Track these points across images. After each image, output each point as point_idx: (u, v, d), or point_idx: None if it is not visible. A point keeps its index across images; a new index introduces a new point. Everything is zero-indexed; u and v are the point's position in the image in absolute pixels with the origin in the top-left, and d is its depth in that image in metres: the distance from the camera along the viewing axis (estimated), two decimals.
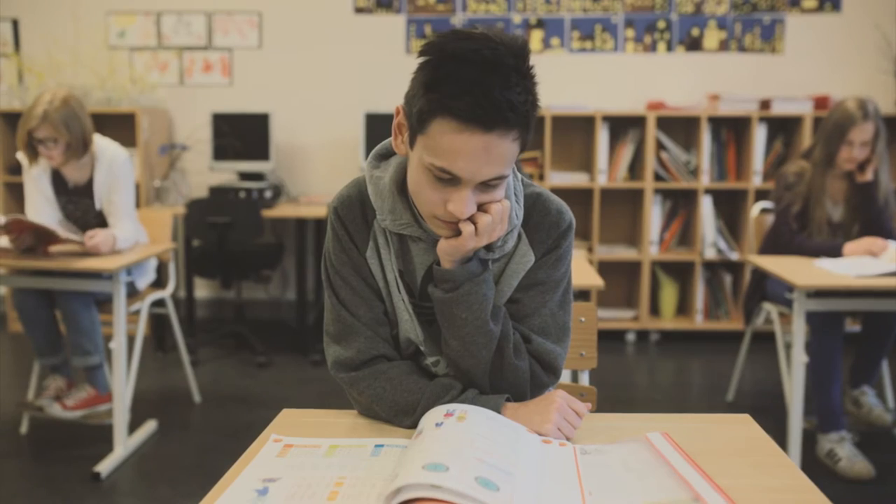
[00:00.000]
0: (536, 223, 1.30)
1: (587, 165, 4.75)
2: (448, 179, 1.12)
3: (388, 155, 1.32)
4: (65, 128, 2.89)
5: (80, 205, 3.11)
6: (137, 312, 3.25)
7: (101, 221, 3.13)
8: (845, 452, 2.82)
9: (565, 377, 2.63)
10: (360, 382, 1.29)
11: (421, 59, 1.12)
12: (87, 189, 3.09)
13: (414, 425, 1.19)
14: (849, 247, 2.99)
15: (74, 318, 3.01)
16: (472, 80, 1.06)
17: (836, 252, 3.01)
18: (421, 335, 1.32)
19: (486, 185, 1.14)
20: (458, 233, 1.18)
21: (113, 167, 3.07)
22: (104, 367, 3.11)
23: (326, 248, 1.34)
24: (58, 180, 3.10)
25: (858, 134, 2.96)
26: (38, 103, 2.89)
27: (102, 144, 3.09)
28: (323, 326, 1.37)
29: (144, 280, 3.28)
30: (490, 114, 1.07)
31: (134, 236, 3.14)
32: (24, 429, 3.22)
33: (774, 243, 3.21)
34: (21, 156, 3.03)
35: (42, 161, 3.04)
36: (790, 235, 3.11)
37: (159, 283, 3.65)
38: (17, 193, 4.72)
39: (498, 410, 1.20)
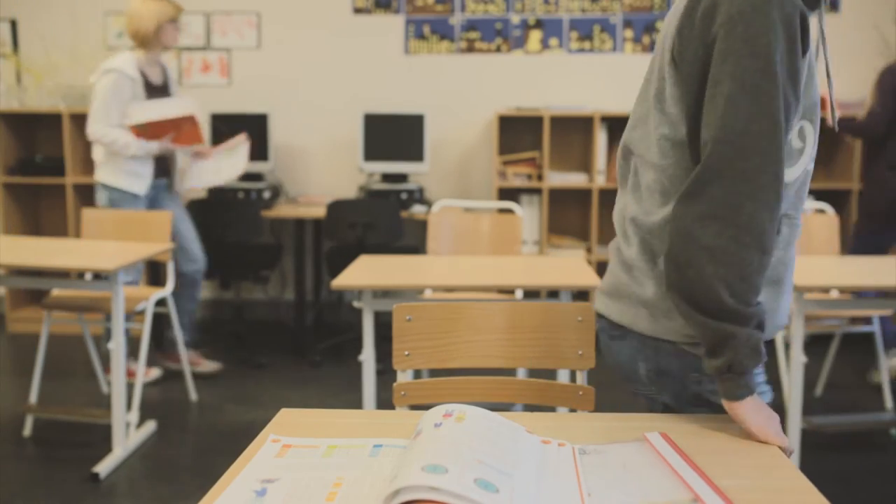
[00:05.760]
0: None
1: (586, 166, 4.75)
2: None
3: None
4: None
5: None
6: (142, 312, 3.25)
7: None
8: None
9: (563, 377, 2.62)
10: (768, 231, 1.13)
11: None
12: (164, 89, 3.76)
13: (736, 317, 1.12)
14: None
15: None
16: None
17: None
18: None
19: None
20: None
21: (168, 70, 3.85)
22: None
23: (776, 49, 1.17)
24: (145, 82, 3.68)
25: None
26: None
27: None
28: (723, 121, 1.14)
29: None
30: None
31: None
32: (27, 431, 3.21)
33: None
34: (127, 59, 3.59)
35: (134, 64, 3.60)
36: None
37: (159, 282, 3.64)
38: (16, 193, 4.71)
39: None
